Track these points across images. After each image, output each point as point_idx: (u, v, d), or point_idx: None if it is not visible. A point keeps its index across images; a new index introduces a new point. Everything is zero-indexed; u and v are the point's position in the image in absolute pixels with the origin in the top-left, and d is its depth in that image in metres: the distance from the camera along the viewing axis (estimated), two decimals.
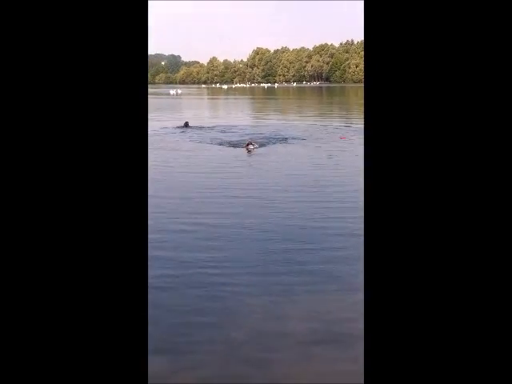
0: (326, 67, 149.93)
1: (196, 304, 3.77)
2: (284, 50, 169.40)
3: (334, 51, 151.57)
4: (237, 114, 29.82)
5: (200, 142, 13.91)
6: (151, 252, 3.90)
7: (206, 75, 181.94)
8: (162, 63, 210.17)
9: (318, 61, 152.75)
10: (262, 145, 12.97)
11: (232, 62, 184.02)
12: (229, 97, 61.58)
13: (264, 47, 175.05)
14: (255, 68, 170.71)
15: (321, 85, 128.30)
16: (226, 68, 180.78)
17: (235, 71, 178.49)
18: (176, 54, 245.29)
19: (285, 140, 14.21)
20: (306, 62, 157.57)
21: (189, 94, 74.21)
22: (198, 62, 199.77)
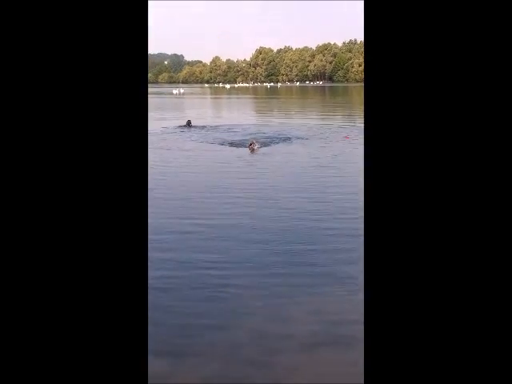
0: (329, 67, 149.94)
1: (196, 305, 3.76)
2: (287, 50, 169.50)
3: (337, 51, 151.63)
4: (239, 113, 29.83)
5: (202, 142, 13.91)
6: (151, 253, 3.91)
7: (208, 75, 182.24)
8: (165, 62, 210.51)
9: (321, 60, 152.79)
10: (265, 144, 12.95)
11: (235, 61, 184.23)
12: (231, 96, 61.61)
13: (267, 47, 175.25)
14: (258, 67, 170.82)
15: (324, 84, 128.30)
16: (229, 67, 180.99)
17: (238, 71, 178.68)
18: (179, 53, 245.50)
19: (288, 140, 14.18)
20: (309, 62, 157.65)
21: (191, 93, 74.31)
22: (201, 62, 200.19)
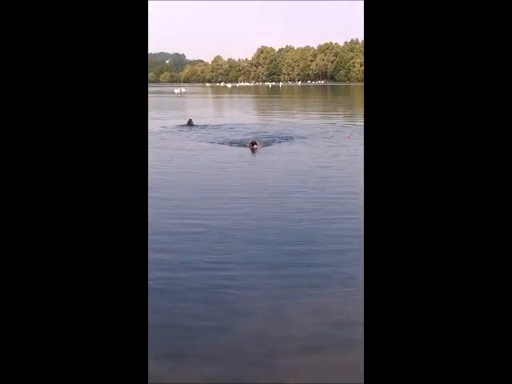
0: (330, 66, 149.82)
1: (196, 306, 3.75)
2: (288, 49, 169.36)
3: (338, 50, 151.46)
4: (241, 112, 29.83)
5: (203, 141, 13.90)
6: (151, 254, 3.90)
7: (210, 74, 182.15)
8: (167, 62, 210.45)
9: (323, 59, 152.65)
10: (266, 144, 12.94)
11: (236, 60, 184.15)
12: (233, 95, 61.60)
13: (268, 46, 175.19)
14: (260, 67, 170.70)
15: (325, 83, 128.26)
16: (231, 67, 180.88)
17: (240, 70, 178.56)
18: (180, 52, 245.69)
19: (290, 139, 14.17)
20: (311, 61, 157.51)
21: (193, 92, 74.32)
22: (203, 61, 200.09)
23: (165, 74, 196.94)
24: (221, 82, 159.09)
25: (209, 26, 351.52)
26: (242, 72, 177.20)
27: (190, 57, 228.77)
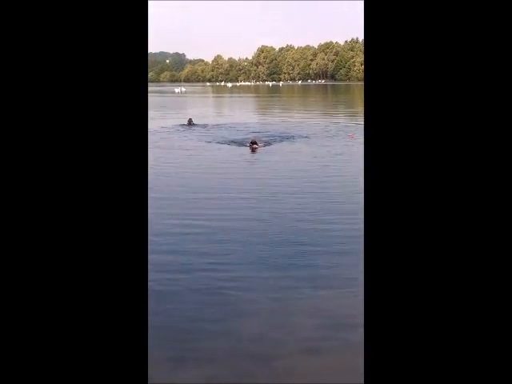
0: (331, 65, 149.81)
1: (196, 307, 3.74)
2: (289, 48, 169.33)
3: (339, 49, 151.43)
4: (241, 111, 29.83)
5: (203, 141, 13.89)
6: (151, 255, 3.89)
7: (210, 73, 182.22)
8: (167, 61, 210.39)
9: (323, 59, 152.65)
10: (266, 143, 12.94)
11: (237, 59, 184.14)
12: (233, 95, 61.61)
13: (269, 45, 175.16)
14: (260, 66, 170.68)
15: (326, 83, 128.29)
16: (231, 66, 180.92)
17: (240, 69, 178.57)
18: (181, 51, 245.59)
19: (290, 138, 14.16)
20: (311, 60, 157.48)
21: (193, 92, 74.37)
22: (203, 60, 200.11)
23: (165, 73, 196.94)
24: (221, 81, 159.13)
25: (209, 25, 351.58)
26: (242, 71, 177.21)
27: (190, 56, 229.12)
